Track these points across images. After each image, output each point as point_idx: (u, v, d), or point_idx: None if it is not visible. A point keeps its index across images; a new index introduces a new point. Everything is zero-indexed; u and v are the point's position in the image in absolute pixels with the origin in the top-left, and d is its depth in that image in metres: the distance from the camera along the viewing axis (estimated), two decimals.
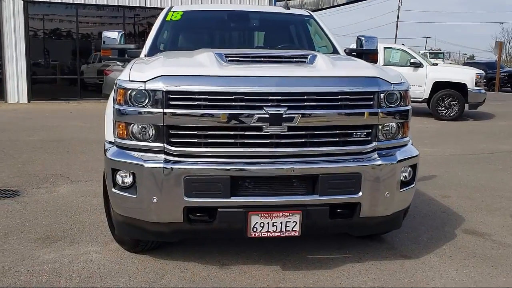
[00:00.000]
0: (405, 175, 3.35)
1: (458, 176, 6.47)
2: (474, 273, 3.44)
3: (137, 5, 18.05)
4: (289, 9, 5.12)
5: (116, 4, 17.84)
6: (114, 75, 14.01)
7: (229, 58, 3.25)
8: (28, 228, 4.24)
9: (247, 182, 3.09)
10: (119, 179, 3.13)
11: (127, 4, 17.92)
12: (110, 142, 3.32)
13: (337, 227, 3.40)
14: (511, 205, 5.13)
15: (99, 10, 18.21)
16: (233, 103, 2.98)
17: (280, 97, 2.99)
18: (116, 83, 3.18)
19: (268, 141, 3.03)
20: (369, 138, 3.17)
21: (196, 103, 2.97)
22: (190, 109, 2.98)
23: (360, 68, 3.43)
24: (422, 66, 13.50)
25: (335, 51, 4.61)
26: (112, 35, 4.57)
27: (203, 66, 3.14)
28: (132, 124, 3.07)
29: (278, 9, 5.12)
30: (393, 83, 3.22)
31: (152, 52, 4.28)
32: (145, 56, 4.25)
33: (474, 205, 5.11)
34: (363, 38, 4.88)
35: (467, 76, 13.20)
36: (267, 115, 2.96)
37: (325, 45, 4.79)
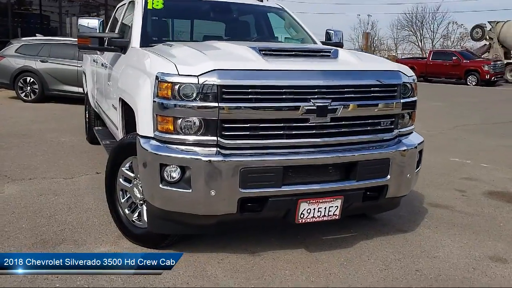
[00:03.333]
0: None
1: None
2: (466, 239, 4.00)
3: None
4: (261, 1, 5.25)
5: None
6: (7, 61, 12.76)
7: (263, 52, 3.33)
8: (13, 234, 3.88)
9: (291, 171, 3.23)
10: (167, 175, 3.07)
11: None
12: (145, 137, 3.22)
13: (365, 209, 3.72)
14: (449, 180, 5.90)
15: None
16: (283, 96, 3.10)
17: (326, 90, 3.18)
18: (156, 76, 3.08)
19: (314, 131, 3.21)
20: (392, 126, 3.51)
21: (248, 96, 3.04)
22: (243, 103, 3.04)
23: (382, 62, 3.75)
24: None
25: (314, 44, 4.86)
26: (91, 24, 4.31)
27: (250, 61, 3.19)
28: (181, 119, 3.03)
29: (252, 1, 5.24)
30: (408, 76, 3.59)
31: (147, 42, 4.12)
32: (140, 46, 4.08)
33: (420, 182, 5.74)
34: (332, 32, 5.23)
35: None
36: (314, 107, 3.14)
37: (302, 37, 5.02)
